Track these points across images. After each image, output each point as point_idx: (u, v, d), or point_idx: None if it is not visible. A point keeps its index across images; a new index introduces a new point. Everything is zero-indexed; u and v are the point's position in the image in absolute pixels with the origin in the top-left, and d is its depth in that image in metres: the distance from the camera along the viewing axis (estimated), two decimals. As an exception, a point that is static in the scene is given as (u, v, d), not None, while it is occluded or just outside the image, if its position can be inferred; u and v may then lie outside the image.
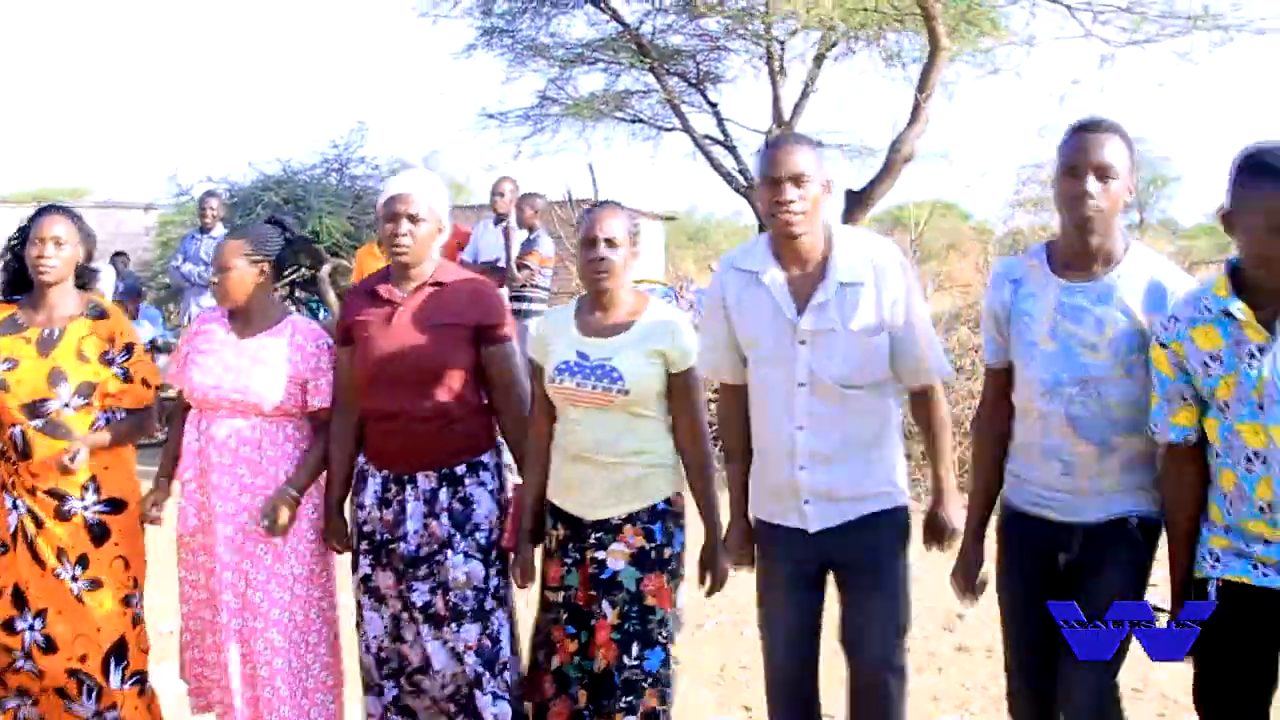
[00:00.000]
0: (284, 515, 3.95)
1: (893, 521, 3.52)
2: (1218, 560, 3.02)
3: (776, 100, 14.37)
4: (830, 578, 3.60)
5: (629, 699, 3.62)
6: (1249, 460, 2.93)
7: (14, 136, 65.49)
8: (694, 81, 14.94)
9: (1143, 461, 3.24)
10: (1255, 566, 2.95)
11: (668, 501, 3.73)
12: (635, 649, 3.63)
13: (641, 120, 15.72)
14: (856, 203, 12.34)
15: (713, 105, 15.08)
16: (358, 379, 3.98)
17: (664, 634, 3.67)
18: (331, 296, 12.13)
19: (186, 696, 4.28)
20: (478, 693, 3.82)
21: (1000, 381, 3.44)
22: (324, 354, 4.12)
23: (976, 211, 25.83)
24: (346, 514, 4.15)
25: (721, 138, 14.93)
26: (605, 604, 3.66)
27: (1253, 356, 2.89)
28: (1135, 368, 3.15)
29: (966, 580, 3.55)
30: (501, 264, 9.18)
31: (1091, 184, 3.10)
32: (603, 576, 3.67)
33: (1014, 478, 3.41)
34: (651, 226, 21.82)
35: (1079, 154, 3.13)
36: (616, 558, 3.66)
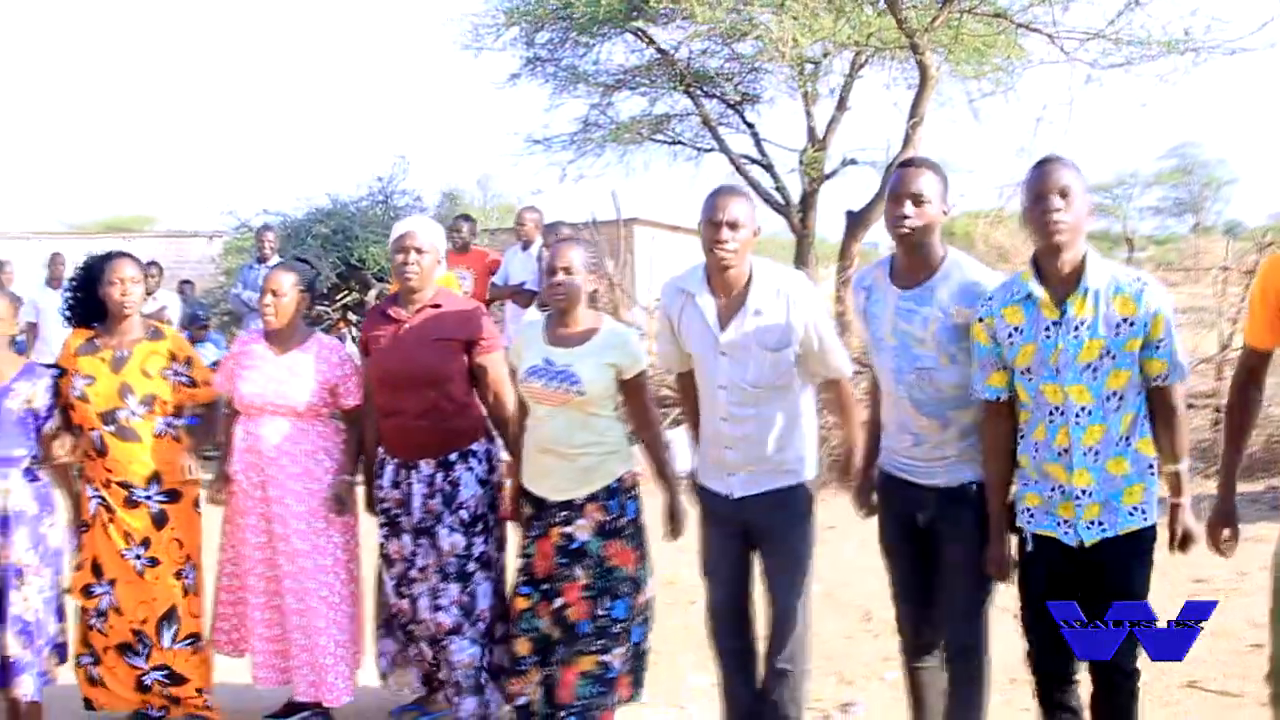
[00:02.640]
0: (344, 497, 4.84)
1: (796, 495, 4.17)
2: (1032, 516, 3.66)
3: (810, 120, 14.94)
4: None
5: (602, 642, 4.29)
6: (1050, 414, 3.56)
7: (84, 167, 67.74)
8: (731, 103, 15.42)
9: (976, 434, 3.84)
10: (1059, 525, 3.60)
11: (619, 480, 4.39)
12: (606, 602, 4.30)
13: (681, 142, 16.22)
14: (856, 222, 12.87)
15: (750, 126, 15.56)
16: (371, 383, 4.81)
17: (625, 588, 4.33)
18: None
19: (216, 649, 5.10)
20: (454, 637, 4.57)
21: None
22: (346, 364, 5.00)
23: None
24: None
25: (759, 157, 15.42)
26: (577, 569, 4.32)
27: (1048, 330, 3.54)
28: (957, 355, 3.78)
29: (862, 498, 4.27)
30: (529, 286, 9.88)
31: (908, 207, 3.74)
32: (571, 547, 4.34)
33: (884, 448, 4.07)
34: (695, 243, 22.39)
35: (899, 185, 3.79)
36: (582, 531, 4.33)
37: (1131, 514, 3.56)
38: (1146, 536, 3.58)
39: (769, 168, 15.31)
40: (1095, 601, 3.55)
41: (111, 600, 4.90)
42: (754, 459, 4.10)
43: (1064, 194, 3.46)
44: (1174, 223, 46.09)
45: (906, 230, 3.74)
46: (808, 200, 14.40)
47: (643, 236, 19.42)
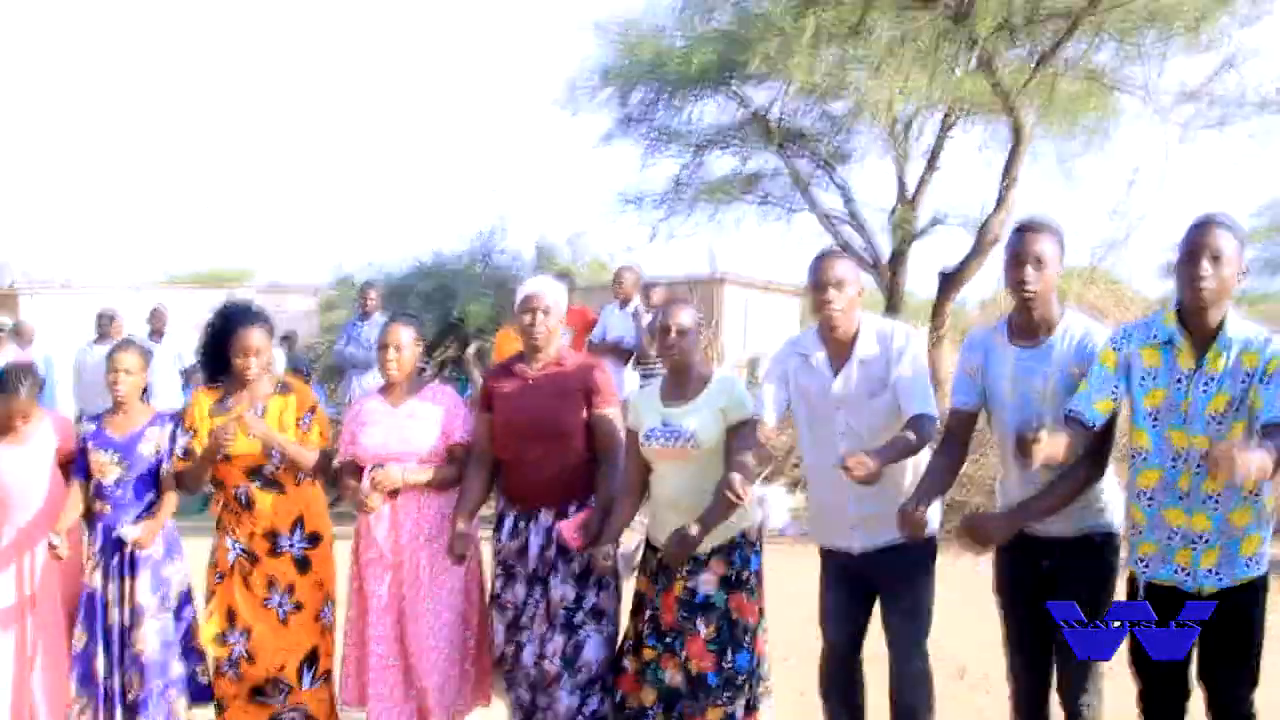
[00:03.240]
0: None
1: (922, 548, 4.27)
2: (1147, 566, 3.76)
3: (901, 178, 14.94)
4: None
5: (728, 694, 4.41)
6: (1174, 460, 3.67)
7: (185, 219, 69.48)
8: (821, 162, 15.48)
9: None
10: (1177, 572, 3.68)
11: (743, 534, 4.52)
12: (729, 654, 4.42)
13: (771, 200, 16.29)
14: (949, 281, 12.87)
15: (840, 185, 15.59)
16: (496, 436, 4.94)
17: (748, 640, 4.44)
18: (476, 373, 13.08)
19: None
20: (556, 685, 4.70)
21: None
22: (459, 407, 5.22)
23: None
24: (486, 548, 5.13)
25: (849, 216, 15.42)
26: (699, 621, 4.45)
27: (1180, 380, 3.65)
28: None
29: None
30: (624, 343, 10.08)
31: (1029, 272, 3.90)
32: (696, 601, 4.48)
33: (1004, 503, 4.19)
34: (789, 301, 22.39)
35: (1021, 248, 3.93)
36: (707, 585, 4.47)
37: (1248, 565, 3.65)
38: (1259, 585, 3.69)
39: (860, 226, 15.31)
40: (1211, 647, 3.67)
41: (244, 649, 5.06)
42: (876, 511, 4.22)
43: (1216, 258, 3.55)
44: (1268, 280, 45.18)
45: (1029, 295, 3.87)
46: (898, 258, 14.40)
47: (733, 294, 19.57)
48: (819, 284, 4.25)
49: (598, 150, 15.58)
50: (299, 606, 5.11)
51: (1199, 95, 11.72)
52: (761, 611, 4.60)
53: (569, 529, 4.72)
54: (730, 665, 4.43)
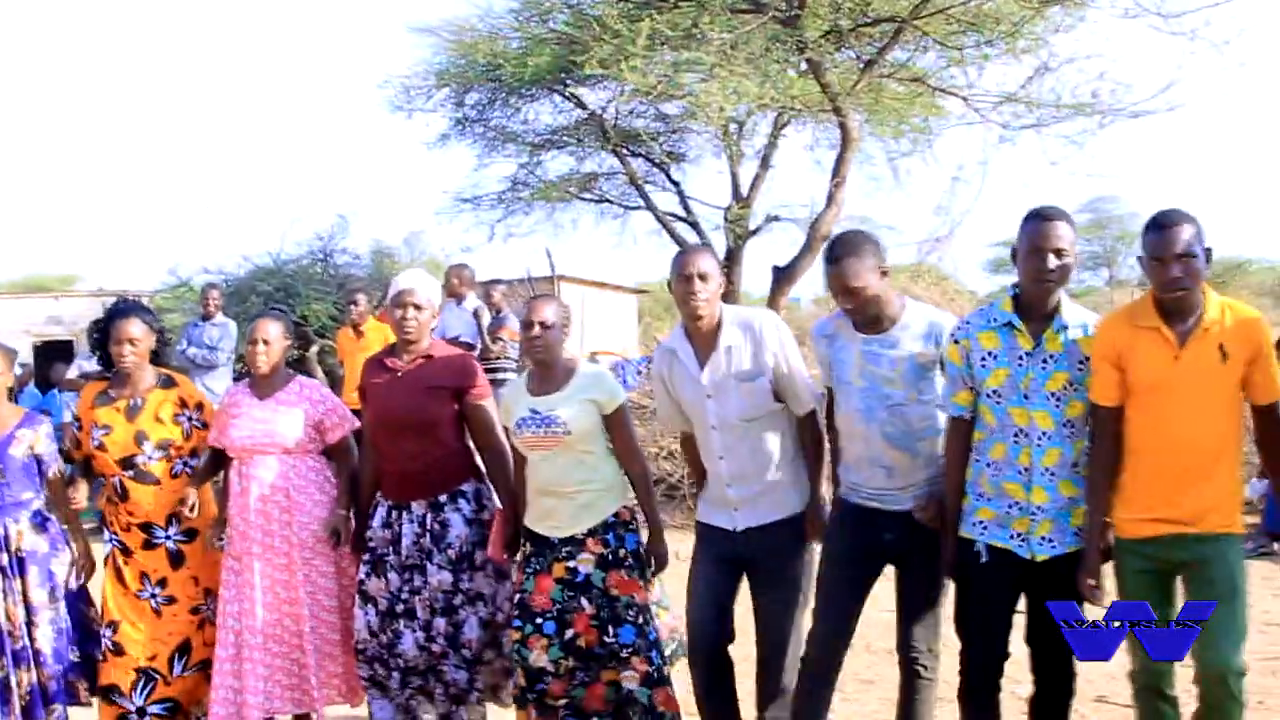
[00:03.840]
0: (342, 530, 5.08)
1: (795, 525, 4.48)
2: (985, 529, 4.00)
3: (735, 178, 15.33)
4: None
5: (614, 664, 4.58)
6: (1015, 436, 3.93)
7: (4, 223, 66.62)
8: (657, 162, 15.82)
9: (938, 462, 4.23)
10: (1012, 537, 3.95)
11: (615, 515, 4.70)
12: (611, 629, 4.59)
13: (608, 200, 16.62)
14: (782, 277, 13.26)
15: (675, 184, 15.97)
16: (369, 429, 5.06)
17: (630, 614, 4.60)
18: (320, 373, 12.96)
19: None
20: (444, 661, 4.84)
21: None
22: (327, 401, 5.30)
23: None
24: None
25: (685, 215, 15.79)
26: (582, 600, 4.61)
27: (1021, 358, 3.91)
28: (923, 391, 4.18)
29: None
30: (463, 339, 10.17)
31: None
32: (577, 580, 4.63)
33: (849, 484, 4.39)
34: (625, 300, 22.63)
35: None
36: (585, 564, 4.64)
37: (1076, 534, 3.92)
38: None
39: (694, 225, 15.70)
40: (1039, 611, 3.95)
41: (110, 643, 5.11)
42: (753, 493, 4.41)
43: (1058, 250, 3.83)
44: (1089, 276, 46.97)
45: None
46: (733, 256, 14.72)
47: (570, 293, 19.74)
48: (685, 276, 4.37)
49: (434, 151, 15.57)
50: (171, 600, 5.16)
51: (1018, 98, 12.33)
52: (652, 588, 4.79)
53: (496, 552, 4.87)
54: (613, 640, 4.57)
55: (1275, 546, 8.26)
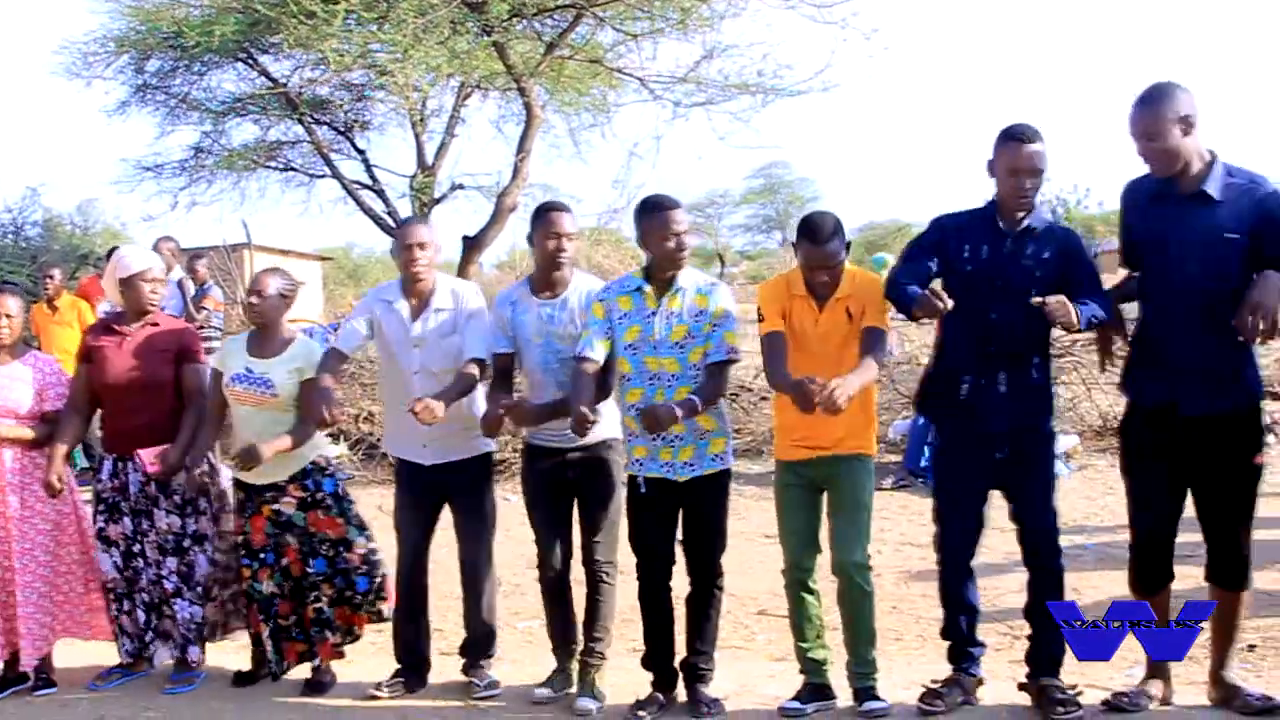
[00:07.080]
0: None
1: (482, 463, 5.36)
2: (641, 464, 4.89)
3: (420, 147, 15.72)
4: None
5: (314, 593, 5.42)
6: (650, 380, 4.78)
7: None
8: (342, 130, 16.13)
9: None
10: (663, 466, 4.82)
11: (312, 463, 5.43)
12: (309, 561, 5.40)
13: (294, 169, 16.79)
14: (472, 245, 13.96)
15: (361, 152, 16.27)
16: (96, 387, 5.59)
17: (324, 549, 5.39)
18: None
19: None
20: (177, 600, 5.49)
21: None
22: (58, 374, 5.80)
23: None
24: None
25: (371, 182, 16.11)
26: (289, 537, 5.38)
27: (649, 316, 4.78)
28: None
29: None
30: (166, 309, 10.37)
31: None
32: (282, 520, 5.38)
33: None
34: (309, 266, 22.69)
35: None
36: (288, 506, 5.38)
37: (714, 460, 4.84)
38: (725, 477, 4.92)
39: (380, 193, 16.05)
40: (690, 523, 4.88)
41: None
42: (443, 433, 5.12)
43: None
44: (763, 238, 49.16)
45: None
46: (418, 223, 15.04)
47: (257, 260, 19.68)
48: (408, 245, 5.15)
49: (114, 120, 15.34)
50: None
51: (689, 79, 13.52)
52: (348, 525, 5.41)
53: (148, 456, 5.45)
54: (312, 570, 5.37)
55: (914, 480, 9.48)
